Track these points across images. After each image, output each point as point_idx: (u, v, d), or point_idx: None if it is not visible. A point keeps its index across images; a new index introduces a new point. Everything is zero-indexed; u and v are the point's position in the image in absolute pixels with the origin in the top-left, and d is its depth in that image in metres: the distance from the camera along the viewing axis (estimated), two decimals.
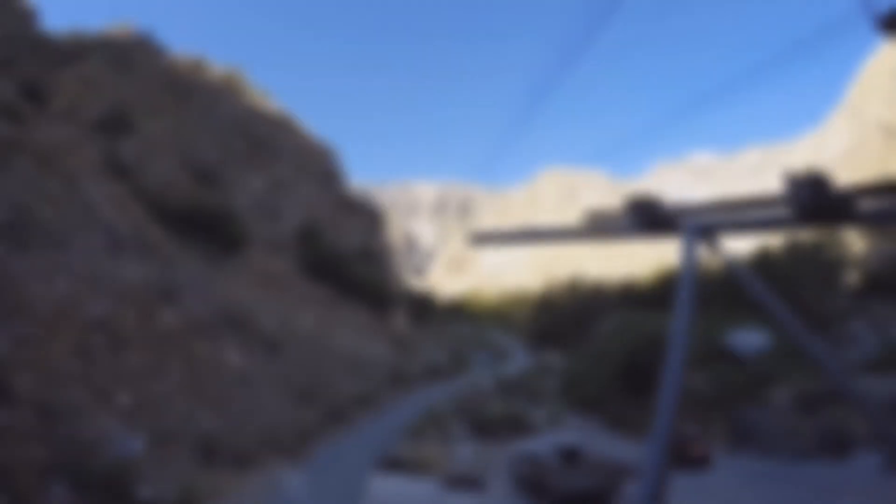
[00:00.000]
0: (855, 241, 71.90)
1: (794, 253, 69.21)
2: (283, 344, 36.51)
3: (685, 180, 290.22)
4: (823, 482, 22.16)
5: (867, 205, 8.16)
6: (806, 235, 79.19)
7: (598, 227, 13.85)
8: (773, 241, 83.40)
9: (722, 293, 65.53)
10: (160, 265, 31.56)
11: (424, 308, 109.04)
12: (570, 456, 23.63)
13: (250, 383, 28.40)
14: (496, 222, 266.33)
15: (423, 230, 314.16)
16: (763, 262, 66.16)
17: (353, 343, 53.94)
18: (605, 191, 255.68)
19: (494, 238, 24.54)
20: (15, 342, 16.24)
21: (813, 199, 8.13)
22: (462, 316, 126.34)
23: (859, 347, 50.33)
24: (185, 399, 22.37)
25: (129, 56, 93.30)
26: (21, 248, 19.81)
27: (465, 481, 25.29)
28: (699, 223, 10.60)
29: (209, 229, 56.67)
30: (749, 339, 48.21)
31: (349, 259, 70.65)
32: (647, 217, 11.79)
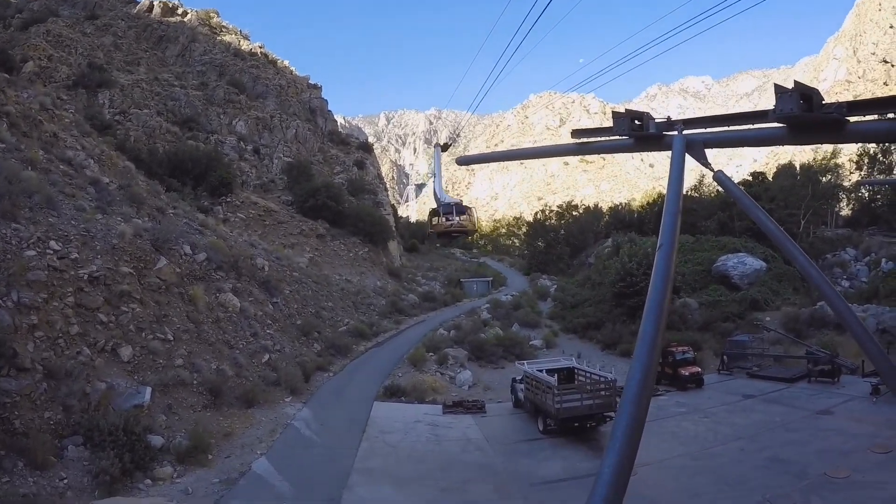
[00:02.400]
0: (848, 173, 71.06)
1: (788, 179, 68.64)
2: (281, 282, 36.75)
3: (678, 103, 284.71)
4: (812, 404, 22.66)
5: (857, 123, 8.05)
6: (803, 158, 78.19)
7: (587, 144, 13.57)
8: (768, 168, 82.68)
9: (717, 220, 65.73)
10: (151, 216, 31.41)
11: (419, 238, 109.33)
12: (568, 377, 24.27)
13: (250, 324, 28.77)
14: (489, 146, 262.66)
15: (415, 160, 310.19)
16: (756, 188, 65.85)
17: (350, 277, 54.35)
18: (597, 116, 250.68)
19: (482, 158, 24.90)
20: (16, 309, 16.36)
21: (802, 113, 7.87)
22: (458, 244, 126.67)
23: (850, 277, 50.56)
24: (188, 346, 22.75)
25: (98, 8, 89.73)
26: (10, 216, 19.66)
27: (465, 405, 25.96)
28: (687, 136, 10.47)
29: (197, 175, 56.04)
30: (742, 264, 48.41)
31: (341, 193, 70.10)
32: (636, 131, 11.55)
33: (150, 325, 21.66)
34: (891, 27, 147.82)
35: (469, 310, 54.80)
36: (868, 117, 8.08)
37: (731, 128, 10.65)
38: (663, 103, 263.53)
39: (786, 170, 75.93)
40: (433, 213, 30.76)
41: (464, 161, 26.84)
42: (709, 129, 10.96)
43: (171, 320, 23.01)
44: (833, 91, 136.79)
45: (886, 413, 19.57)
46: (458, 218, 29.04)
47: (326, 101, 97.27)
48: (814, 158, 73.60)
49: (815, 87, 7.81)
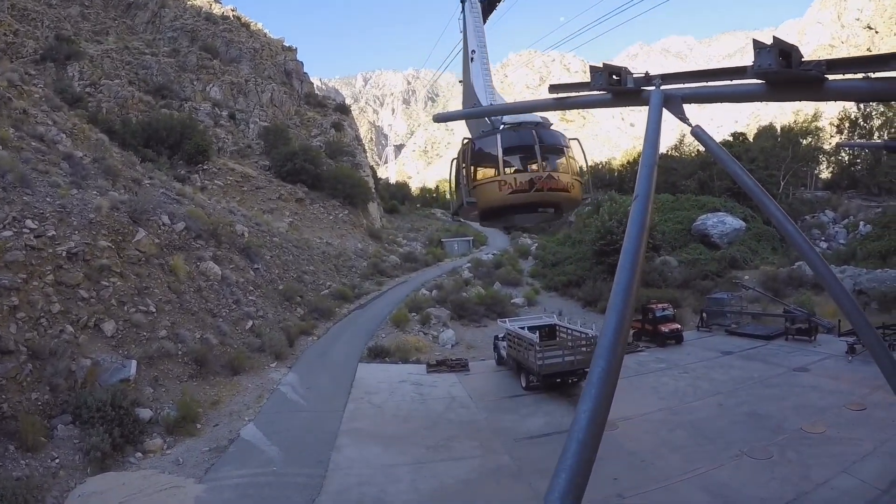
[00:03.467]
0: (829, 136, 71.06)
1: (768, 141, 68.62)
2: (261, 248, 36.48)
3: (659, 62, 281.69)
4: (789, 361, 23.10)
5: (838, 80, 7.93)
6: (783, 120, 77.84)
7: (564, 99, 13.11)
8: (749, 129, 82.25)
9: (697, 179, 65.88)
10: (127, 188, 30.84)
11: (399, 199, 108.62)
12: (550, 334, 24.50)
13: (232, 292, 28.64)
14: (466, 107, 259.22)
15: (393, 121, 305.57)
16: (736, 148, 65.86)
17: (330, 240, 54.05)
18: (577, 75, 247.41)
19: (460, 115, 24.47)
20: None
21: (781, 69, 7.81)
22: (436, 205, 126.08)
23: (828, 238, 51.13)
24: (171, 317, 22.65)
25: None
26: None
27: (449, 364, 26.23)
28: (665, 91, 10.21)
29: (172, 144, 54.80)
30: (722, 223, 48.79)
31: (319, 156, 69.00)
32: (613, 85, 11.19)
33: (132, 298, 21.49)
34: None
35: (450, 269, 54.73)
36: (847, 76, 7.85)
37: (710, 83, 10.41)
38: (644, 62, 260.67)
39: (766, 131, 76.25)
40: (475, 156, 18.39)
41: (440, 118, 20.75)
42: (687, 85, 10.65)
43: (152, 292, 22.83)
44: (816, 54, 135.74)
45: (861, 371, 19.99)
46: (547, 169, 17.40)
47: (302, 63, 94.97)
48: (794, 121, 73.74)
49: (794, 44, 7.82)
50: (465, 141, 19.18)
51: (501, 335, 26.05)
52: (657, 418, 17.79)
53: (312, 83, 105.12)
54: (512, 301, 41.75)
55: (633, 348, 28.05)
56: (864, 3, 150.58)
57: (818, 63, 7.69)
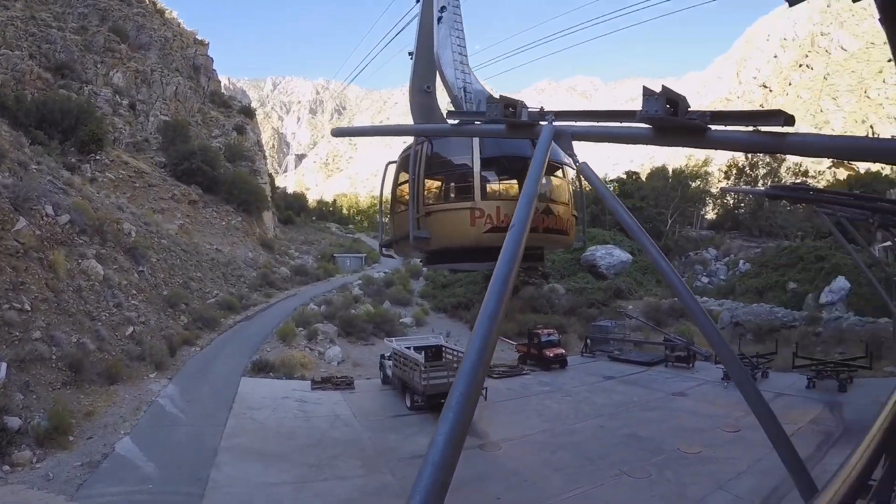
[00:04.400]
0: (717, 181, 76.79)
1: (660, 181, 73.36)
2: (148, 249, 34.71)
3: (565, 99, 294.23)
4: (668, 387, 24.45)
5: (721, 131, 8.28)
6: (676, 164, 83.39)
7: (461, 126, 12.62)
8: (643, 169, 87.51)
9: (589, 212, 69.36)
10: (12, 171, 28.46)
11: (295, 210, 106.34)
12: (436, 355, 24.64)
13: (114, 294, 27.09)
14: (373, 121, 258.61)
15: (298, 129, 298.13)
16: (629, 186, 69.99)
17: (221, 246, 52.17)
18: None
19: (358, 131, 23.71)
20: None
21: (667, 116, 8.09)
22: (334, 218, 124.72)
23: (709, 274, 55.16)
24: (46, 317, 21.15)
25: None
26: None
27: (334, 381, 25.94)
28: (557, 127, 10.39)
29: (66, 128, 50.77)
30: (610, 255, 51.43)
31: (217, 158, 66.44)
32: (509, 117, 11.13)
33: (6, 294, 19.96)
34: (774, 57, 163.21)
35: (341, 285, 54.30)
36: (729, 127, 8.29)
37: (601, 123, 10.55)
38: (551, 97, 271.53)
39: (659, 172, 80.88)
40: (431, 164, 14.10)
41: (338, 132, 18.59)
42: (579, 123, 10.83)
43: (28, 288, 21.25)
44: (713, 106, 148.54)
45: (736, 396, 21.61)
46: (545, 198, 13.67)
47: (212, 59, 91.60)
48: (686, 164, 78.59)
49: (682, 94, 8.17)
50: (415, 142, 14.49)
51: (388, 354, 26.03)
52: (540, 439, 18.11)
53: (220, 81, 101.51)
54: (401, 320, 42.08)
55: (519, 371, 28.85)
56: (761, 64, 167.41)
57: (703, 113, 8.06)
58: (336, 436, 19.01)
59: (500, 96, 12.26)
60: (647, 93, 8.20)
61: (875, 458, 2.42)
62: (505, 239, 7.52)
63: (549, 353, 29.72)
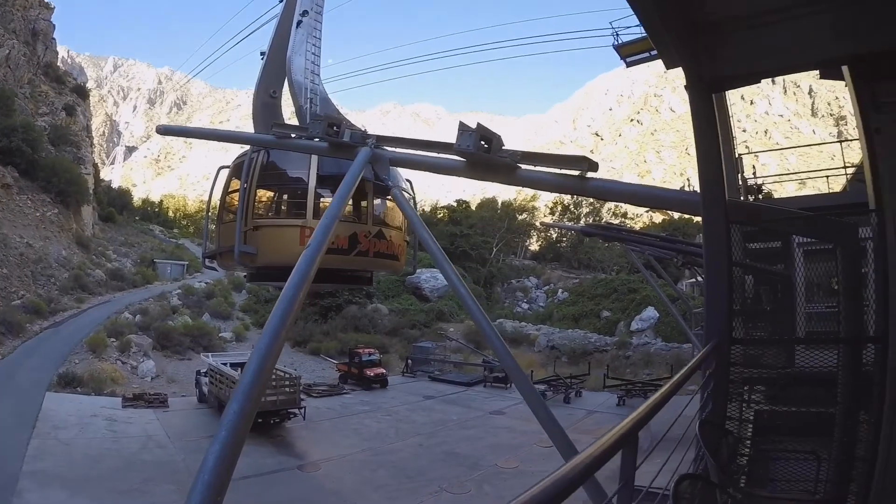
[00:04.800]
0: (542, 215, 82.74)
1: (488, 211, 77.58)
2: None
3: (408, 124, 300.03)
4: (487, 406, 25.27)
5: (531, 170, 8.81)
6: (506, 196, 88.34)
7: (284, 140, 12.57)
8: (475, 198, 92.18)
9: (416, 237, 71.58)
10: None
11: (118, 207, 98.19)
12: None
13: None
14: (213, 122, 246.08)
15: (133, 119, 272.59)
16: (459, 213, 73.38)
17: (32, 240, 47.34)
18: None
19: (184, 132, 23.01)
20: None
21: (479, 152, 8.38)
22: (159, 220, 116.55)
23: (529, 301, 58.84)
24: None
25: None
26: None
27: (147, 398, 24.54)
28: (376, 151, 10.47)
29: None
30: (434, 278, 52.13)
31: (40, 139, 60.02)
32: (331, 136, 10.99)
33: None
34: (609, 109, 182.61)
35: (159, 294, 51.73)
36: (538, 168, 8.79)
37: (420, 152, 10.74)
38: (395, 120, 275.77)
39: (488, 203, 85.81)
40: (264, 176, 13.84)
41: (165, 130, 18.22)
42: (399, 150, 11.12)
43: None
44: (546, 147, 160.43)
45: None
46: (377, 221, 14.07)
47: (55, 25, 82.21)
48: (515, 198, 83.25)
49: (497, 133, 8.61)
50: (251, 148, 14.09)
51: (204, 370, 24.99)
52: (360, 458, 18.08)
53: (58, 52, 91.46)
54: (220, 334, 41.18)
55: (339, 391, 28.90)
56: (597, 115, 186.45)
57: (514, 153, 8.58)
58: (147, 458, 17.78)
59: (325, 114, 12.61)
60: (463, 128, 8.55)
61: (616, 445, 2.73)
62: (299, 259, 7.43)
63: (370, 372, 29.79)
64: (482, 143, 8.41)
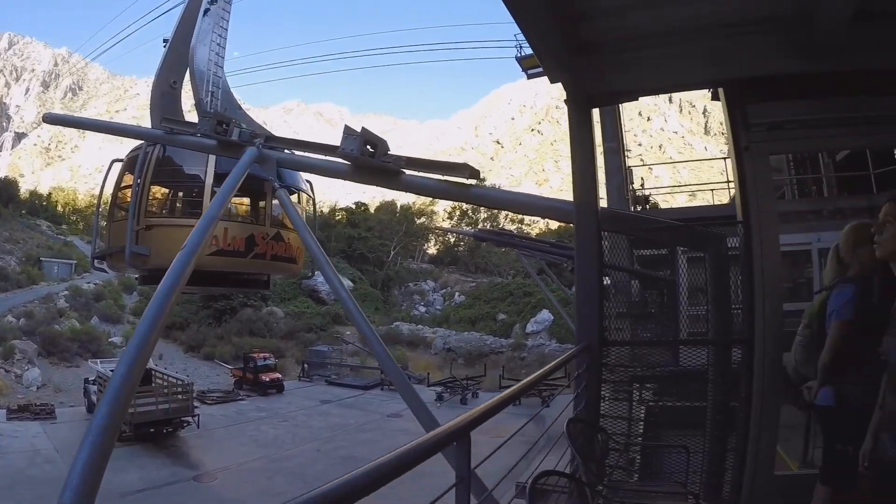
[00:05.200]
0: (441, 220, 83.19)
1: (387, 214, 77.44)
2: None
3: (310, 123, 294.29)
4: (384, 409, 25.40)
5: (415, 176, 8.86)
6: (405, 200, 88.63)
7: (175, 135, 12.04)
8: (374, 200, 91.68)
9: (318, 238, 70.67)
10: None
11: (3, 200, 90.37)
12: (145, 380, 23.49)
13: None
14: (110, 111, 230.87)
15: (24, 102, 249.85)
16: (357, 216, 72.82)
17: None
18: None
19: (73, 122, 22.21)
20: None
21: (362, 156, 8.37)
22: (46, 215, 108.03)
23: (426, 304, 59.20)
24: None
25: None
26: None
27: (33, 410, 23.24)
28: (263, 152, 10.30)
29: None
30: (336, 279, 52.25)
31: None
32: (220, 134, 10.66)
33: None
34: (512, 119, 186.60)
35: (45, 295, 48.40)
36: (422, 174, 8.83)
37: (307, 154, 10.62)
38: (298, 119, 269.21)
39: (387, 206, 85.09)
40: (158, 172, 13.21)
41: (52, 119, 16.85)
42: (287, 151, 11.03)
43: None
44: (445, 153, 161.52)
45: (447, 415, 24.43)
46: (275, 223, 13.55)
47: None
48: (414, 202, 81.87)
49: (382, 138, 8.63)
50: (146, 142, 13.30)
51: (93, 378, 23.88)
52: (257, 466, 17.77)
53: None
54: (110, 339, 39.49)
55: (234, 397, 28.24)
56: (499, 123, 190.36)
57: (398, 158, 8.58)
58: (35, 474, 16.81)
59: (214, 111, 12.28)
60: (348, 132, 8.48)
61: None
62: (173, 262, 7.06)
63: (266, 377, 29.37)
64: (367, 147, 8.37)
